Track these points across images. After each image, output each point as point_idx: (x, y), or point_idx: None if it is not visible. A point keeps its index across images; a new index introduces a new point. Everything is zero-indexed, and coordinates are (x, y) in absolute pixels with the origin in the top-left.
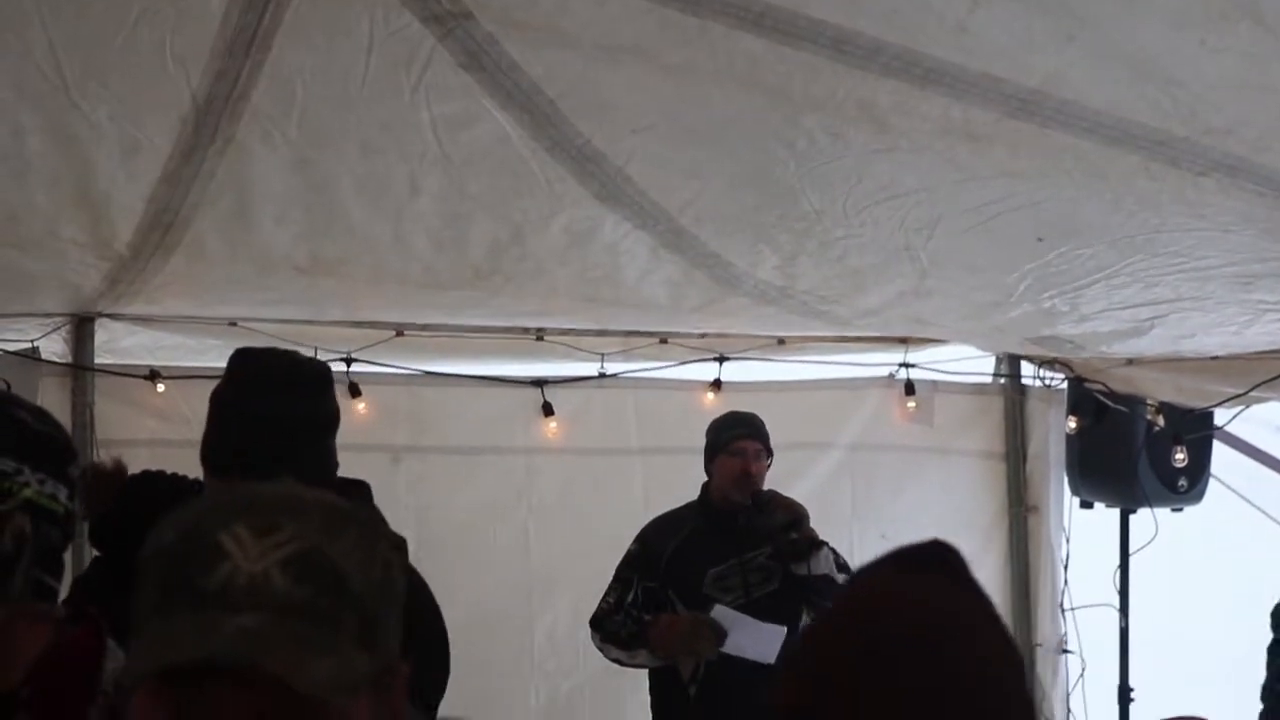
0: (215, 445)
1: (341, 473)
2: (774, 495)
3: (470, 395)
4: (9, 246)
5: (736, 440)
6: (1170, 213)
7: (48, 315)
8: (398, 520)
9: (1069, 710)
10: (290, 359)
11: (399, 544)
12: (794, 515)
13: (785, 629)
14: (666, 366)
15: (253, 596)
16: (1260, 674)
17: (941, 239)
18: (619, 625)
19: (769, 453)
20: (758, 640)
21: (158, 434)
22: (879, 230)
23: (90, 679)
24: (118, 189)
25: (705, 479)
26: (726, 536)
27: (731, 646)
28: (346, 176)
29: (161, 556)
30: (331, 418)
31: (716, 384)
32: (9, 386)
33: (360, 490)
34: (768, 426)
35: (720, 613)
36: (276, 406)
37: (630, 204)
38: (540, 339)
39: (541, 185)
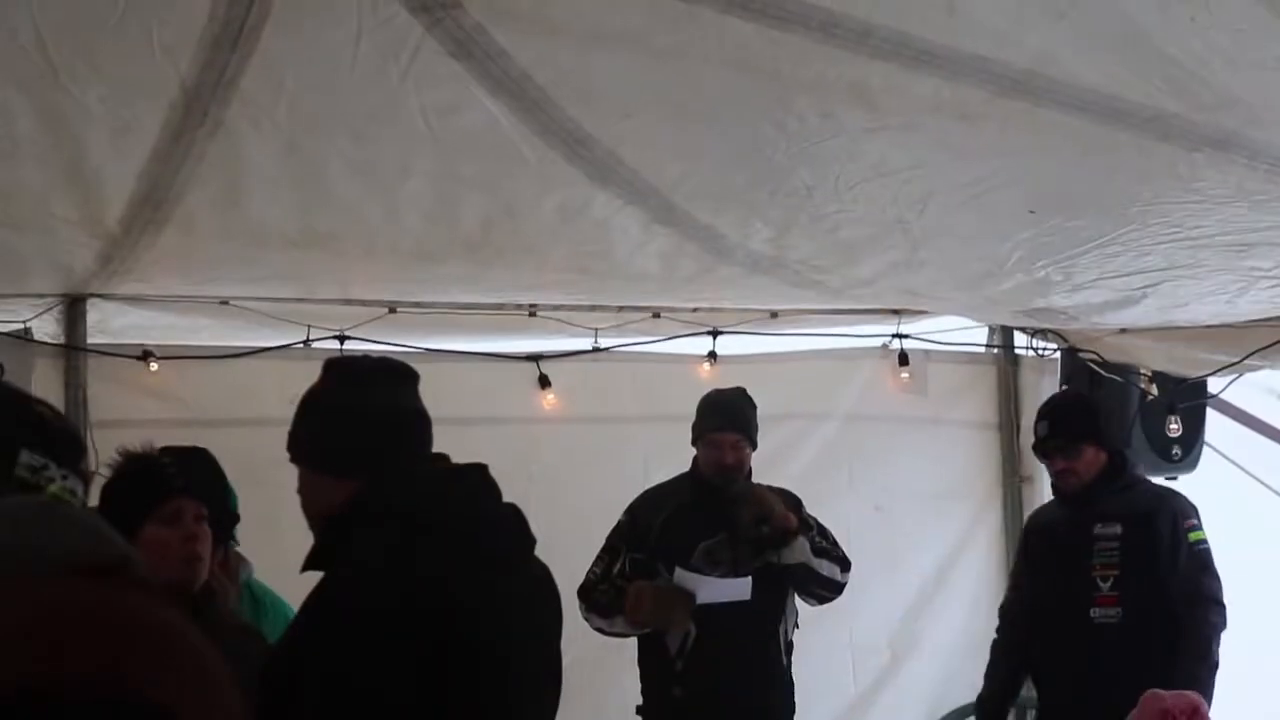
0: (351, 446)
1: None
2: (747, 490)
3: (466, 370)
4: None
5: (711, 432)
6: (1162, 186)
7: (40, 296)
8: None
9: None
10: (385, 359)
11: None
12: (762, 510)
13: (750, 578)
14: (660, 340)
15: None
16: (1252, 638)
17: (934, 213)
18: (601, 594)
19: (750, 441)
20: (726, 589)
21: (151, 414)
22: (871, 206)
23: None
24: (108, 167)
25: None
26: (715, 510)
27: (705, 597)
28: (337, 160)
29: None
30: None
31: (712, 356)
32: (2, 368)
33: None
34: (762, 399)
35: (681, 576)
36: (411, 401)
37: (622, 183)
38: (533, 315)
39: (532, 168)
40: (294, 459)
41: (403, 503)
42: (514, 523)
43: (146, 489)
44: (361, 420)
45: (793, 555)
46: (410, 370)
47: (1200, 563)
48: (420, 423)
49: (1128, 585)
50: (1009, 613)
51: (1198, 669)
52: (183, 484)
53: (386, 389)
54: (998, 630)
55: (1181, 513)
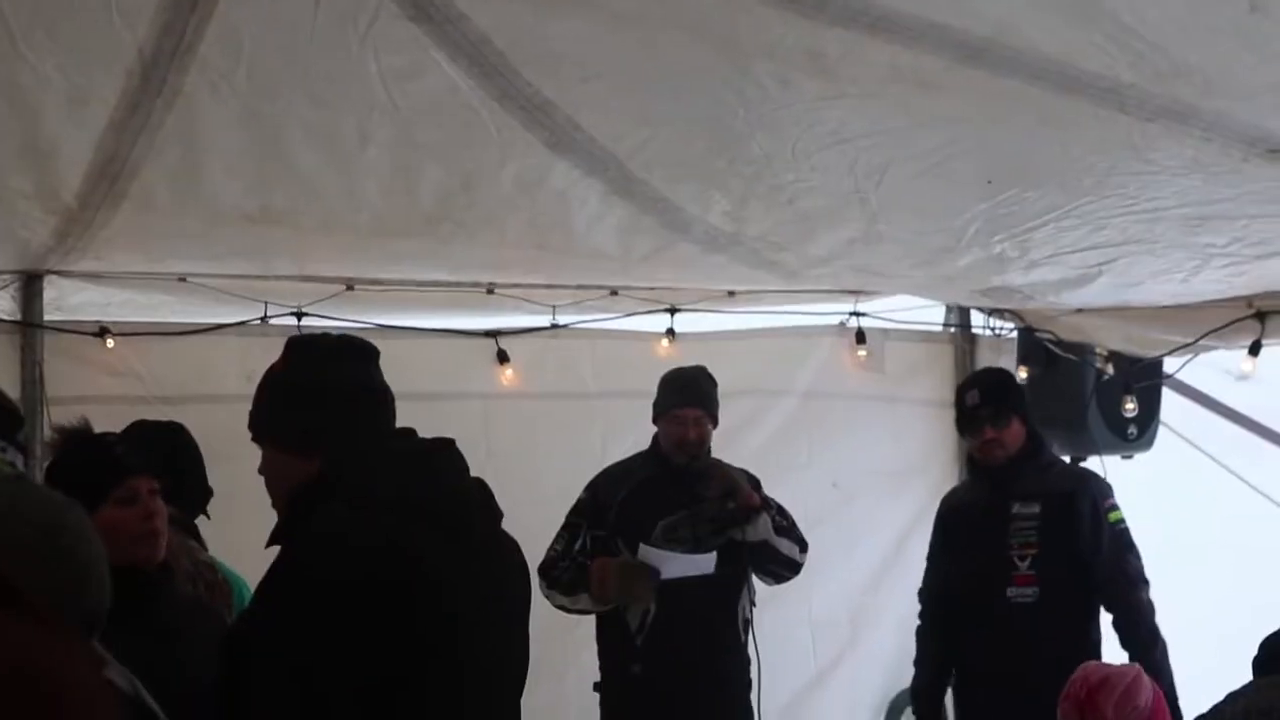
0: (315, 423)
1: None
2: (712, 466)
3: (424, 346)
4: None
5: (675, 408)
6: (1119, 157)
7: None
8: None
9: None
10: (344, 336)
11: None
12: (727, 486)
13: (714, 555)
14: (618, 317)
15: None
16: (1208, 618)
17: (891, 183)
18: (563, 571)
19: (712, 418)
20: (690, 565)
21: (108, 391)
22: (828, 175)
23: None
24: (65, 139)
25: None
26: (676, 487)
27: (670, 573)
28: (295, 127)
29: None
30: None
31: (670, 333)
32: None
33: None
34: (720, 376)
35: (645, 552)
36: (373, 377)
37: (580, 151)
38: (491, 292)
39: (491, 135)
40: (256, 438)
41: (366, 478)
42: (480, 498)
43: (100, 473)
44: (323, 397)
45: (756, 533)
46: (371, 347)
47: (1124, 543)
48: (383, 399)
49: (1046, 565)
50: (930, 597)
51: (1155, 655)
52: (136, 463)
53: (348, 366)
54: (921, 616)
55: (1100, 493)
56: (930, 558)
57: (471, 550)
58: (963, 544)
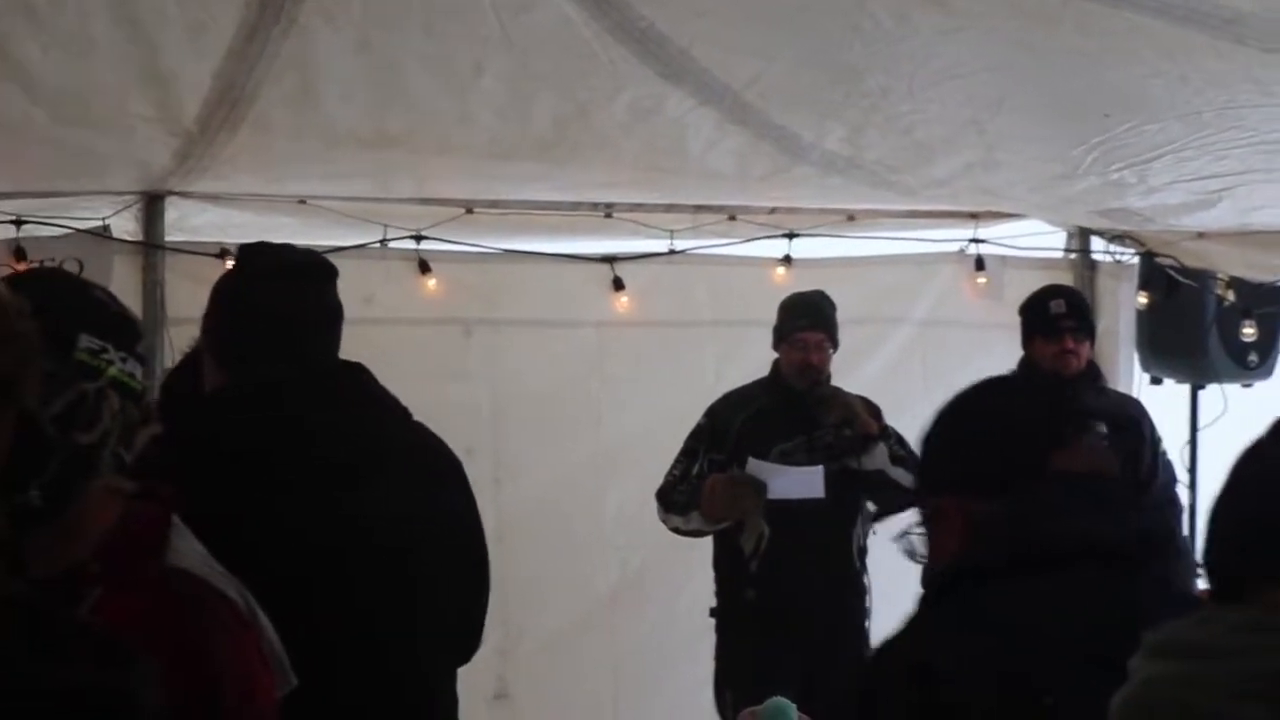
0: (231, 337)
1: (412, 345)
2: (833, 394)
3: (541, 271)
4: (79, 125)
5: (798, 332)
6: (1239, 89)
7: (119, 193)
8: (471, 391)
9: None
10: (299, 252)
11: None
12: (847, 414)
13: (821, 467)
14: (736, 243)
15: None
16: None
17: (1008, 115)
18: (680, 494)
19: (833, 341)
20: (799, 482)
21: None
22: (945, 106)
23: (156, 555)
24: (184, 67)
25: (776, 355)
26: (795, 414)
27: (777, 491)
28: (410, 58)
29: None
30: (339, 310)
31: (787, 260)
32: (82, 265)
33: (360, 371)
34: (837, 302)
35: (754, 466)
36: (306, 299)
37: (694, 82)
38: (609, 216)
39: (604, 65)
40: None
41: (225, 409)
42: (372, 431)
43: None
44: (239, 313)
45: (872, 461)
46: (322, 267)
47: (1173, 472)
48: (312, 323)
49: None
50: None
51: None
52: None
53: (281, 285)
54: None
55: (1153, 421)
56: None
57: (325, 493)
58: None
